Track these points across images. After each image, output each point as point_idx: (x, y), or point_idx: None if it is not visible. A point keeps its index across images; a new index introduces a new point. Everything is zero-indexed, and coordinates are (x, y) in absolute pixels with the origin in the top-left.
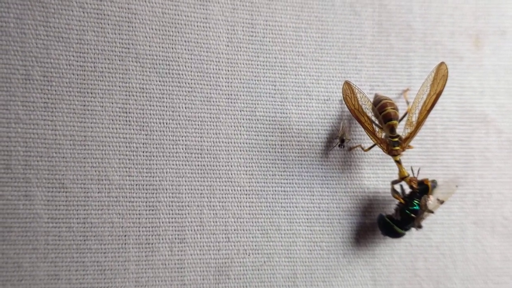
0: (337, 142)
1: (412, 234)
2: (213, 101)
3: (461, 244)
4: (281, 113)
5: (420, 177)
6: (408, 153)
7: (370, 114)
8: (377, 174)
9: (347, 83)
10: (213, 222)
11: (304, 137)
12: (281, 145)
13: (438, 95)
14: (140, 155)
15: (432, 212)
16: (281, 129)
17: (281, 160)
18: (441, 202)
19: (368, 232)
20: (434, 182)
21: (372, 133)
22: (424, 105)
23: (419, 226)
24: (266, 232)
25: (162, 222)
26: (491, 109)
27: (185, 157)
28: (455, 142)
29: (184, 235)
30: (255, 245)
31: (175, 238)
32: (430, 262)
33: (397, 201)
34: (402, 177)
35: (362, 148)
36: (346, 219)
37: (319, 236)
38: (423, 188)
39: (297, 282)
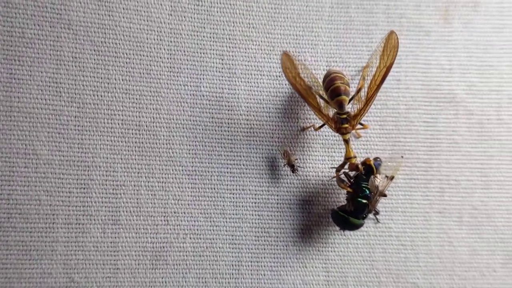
0: (289, 169)
1: (369, 223)
2: (154, 74)
3: (425, 234)
4: (228, 89)
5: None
6: (367, 135)
7: (315, 88)
8: (332, 157)
9: (286, 54)
10: (151, 203)
11: (253, 115)
12: (228, 123)
13: (389, 69)
14: (71, 129)
15: (385, 195)
16: (228, 106)
17: (227, 139)
18: (391, 178)
19: (321, 219)
20: (377, 159)
21: (317, 110)
22: (373, 79)
23: (376, 212)
24: (209, 215)
25: (95, 202)
26: (461, 88)
27: (121, 132)
28: (420, 123)
29: (119, 216)
30: (197, 229)
31: (108, 219)
32: (389, 253)
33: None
34: (348, 158)
35: (314, 128)
36: (297, 204)
37: (267, 222)
38: (368, 170)
39: (241, 270)
